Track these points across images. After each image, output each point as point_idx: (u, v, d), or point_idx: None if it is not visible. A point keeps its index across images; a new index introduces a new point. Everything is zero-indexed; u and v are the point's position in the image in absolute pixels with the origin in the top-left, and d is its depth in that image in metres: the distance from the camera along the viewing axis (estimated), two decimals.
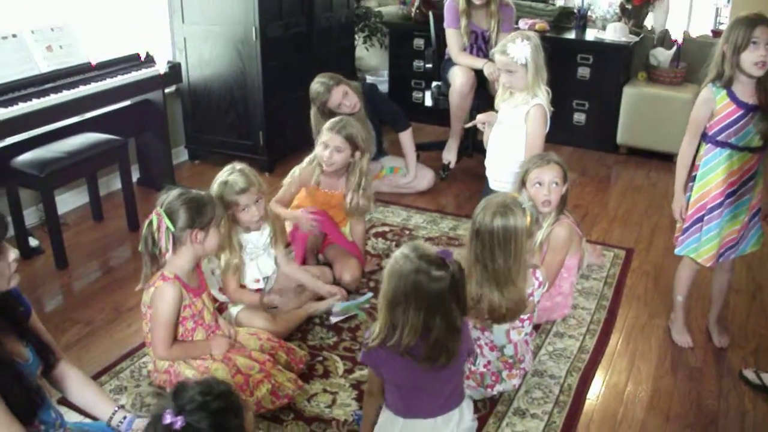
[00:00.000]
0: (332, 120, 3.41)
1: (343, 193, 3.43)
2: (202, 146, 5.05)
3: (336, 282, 3.36)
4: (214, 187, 2.87)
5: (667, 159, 5.11)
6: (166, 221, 2.38)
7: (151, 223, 2.42)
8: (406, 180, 4.55)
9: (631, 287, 3.50)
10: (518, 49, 3.27)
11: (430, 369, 2.04)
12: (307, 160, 3.47)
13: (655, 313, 3.27)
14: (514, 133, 3.40)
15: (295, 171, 3.45)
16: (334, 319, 3.13)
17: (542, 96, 3.36)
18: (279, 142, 4.86)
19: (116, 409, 2.13)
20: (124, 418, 2.11)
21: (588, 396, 2.72)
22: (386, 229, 4.10)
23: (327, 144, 3.31)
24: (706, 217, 2.78)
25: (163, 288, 2.43)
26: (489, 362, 2.60)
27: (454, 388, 2.17)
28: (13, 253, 1.87)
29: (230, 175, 2.87)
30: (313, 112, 4.00)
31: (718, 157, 2.73)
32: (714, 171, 2.74)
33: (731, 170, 2.72)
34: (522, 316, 2.55)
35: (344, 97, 3.91)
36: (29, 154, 3.59)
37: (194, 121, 4.96)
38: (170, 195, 2.45)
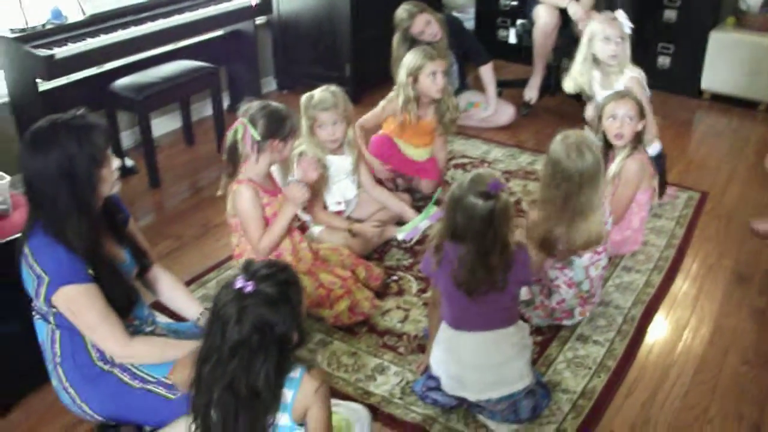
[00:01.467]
0: (423, 48, 3.50)
1: (433, 120, 3.58)
2: (290, 77, 5.22)
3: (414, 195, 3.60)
4: (303, 98, 3.03)
5: (752, 106, 5.03)
6: (252, 130, 2.53)
7: (236, 131, 2.56)
8: (486, 114, 4.63)
9: (702, 229, 3.53)
10: (625, 20, 3.39)
11: (470, 293, 2.18)
12: (389, 96, 3.61)
13: (724, 254, 3.32)
14: None
15: (384, 102, 3.61)
16: (399, 237, 3.21)
17: (633, 69, 3.45)
18: (365, 74, 4.98)
19: (203, 310, 2.32)
20: None
21: (650, 328, 2.82)
22: (465, 160, 4.22)
23: (435, 71, 3.41)
24: None
25: (240, 190, 2.59)
26: (563, 300, 2.70)
27: (503, 309, 2.28)
28: (116, 162, 2.04)
29: (321, 92, 3.05)
30: (396, 38, 4.10)
31: None
32: None
33: None
34: (598, 249, 2.64)
35: (426, 25, 4.01)
36: (127, 78, 3.83)
37: (283, 51, 5.12)
38: (252, 106, 2.60)
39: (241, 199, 2.60)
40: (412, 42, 3.94)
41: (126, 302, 2.09)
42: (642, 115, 3.05)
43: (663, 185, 3.60)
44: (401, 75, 3.48)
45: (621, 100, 3.03)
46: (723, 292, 3.05)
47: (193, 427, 1.69)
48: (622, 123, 3.01)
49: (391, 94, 3.62)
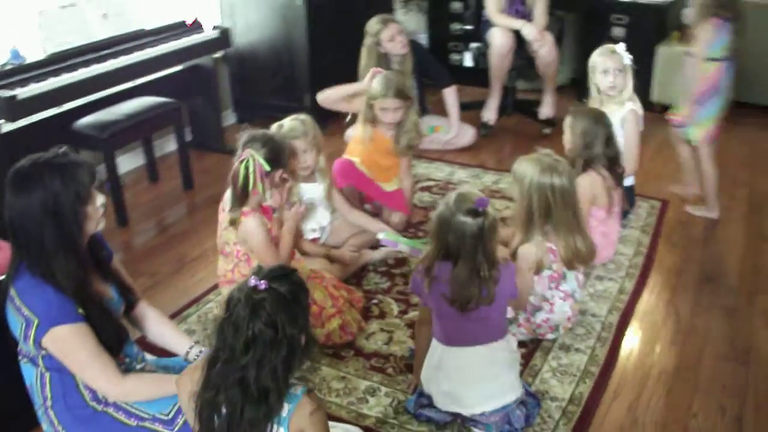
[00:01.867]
0: (378, 84, 3.49)
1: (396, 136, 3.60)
2: (249, 109, 5.24)
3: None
4: (273, 128, 3.07)
5: None
6: (263, 163, 2.54)
7: (246, 164, 2.54)
8: (448, 136, 4.71)
9: (667, 236, 3.65)
10: (625, 52, 3.54)
11: (462, 308, 2.23)
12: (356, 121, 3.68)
13: (690, 258, 3.43)
14: None
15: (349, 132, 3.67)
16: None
17: (635, 101, 3.57)
18: None
19: (192, 344, 2.31)
20: (201, 351, 2.28)
21: (627, 333, 2.90)
22: (431, 183, 4.28)
23: (386, 108, 3.46)
24: None
25: (251, 221, 2.59)
26: (547, 319, 2.78)
27: (494, 323, 2.33)
28: (100, 198, 2.04)
29: (291, 120, 3.10)
30: (365, 47, 4.16)
31: None
32: None
33: None
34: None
35: (398, 33, 4.09)
36: (90, 117, 3.81)
37: (242, 84, 5.15)
38: (255, 138, 2.63)
39: (255, 229, 2.59)
40: (381, 56, 4.01)
41: (116, 340, 2.08)
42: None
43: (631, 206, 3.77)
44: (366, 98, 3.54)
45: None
46: (693, 294, 3.15)
47: (197, 425, 1.69)
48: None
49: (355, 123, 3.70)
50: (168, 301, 3.17)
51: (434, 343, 2.37)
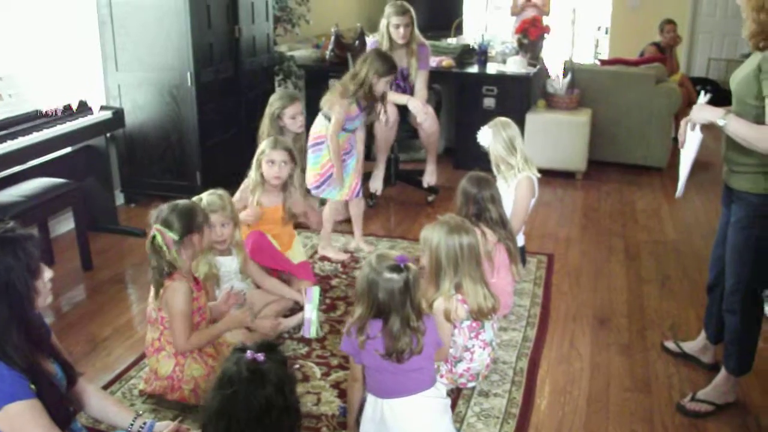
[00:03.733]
0: (268, 140, 3.69)
1: (284, 204, 3.72)
2: (138, 189, 5.21)
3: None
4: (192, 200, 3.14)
5: (570, 176, 5.69)
6: (169, 234, 2.64)
7: (155, 239, 2.63)
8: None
9: (557, 286, 3.96)
10: (481, 135, 3.83)
11: (397, 359, 2.39)
12: (243, 186, 3.78)
13: (583, 304, 3.74)
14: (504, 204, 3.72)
15: (236, 195, 3.73)
16: (307, 336, 3.39)
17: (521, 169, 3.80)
18: (215, 180, 5.07)
19: (136, 416, 2.32)
20: (145, 423, 2.30)
21: (538, 375, 3.12)
22: (330, 254, 4.41)
23: (274, 160, 3.61)
24: None
25: (175, 286, 2.66)
26: (469, 368, 2.94)
27: (425, 372, 2.49)
28: (48, 273, 2.04)
29: (208, 195, 3.20)
30: (267, 115, 4.23)
31: None
32: None
33: None
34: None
35: (300, 113, 4.24)
36: None
37: (130, 165, 5.13)
38: (162, 211, 2.73)
39: (175, 295, 2.66)
40: (279, 129, 4.14)
41: (65, 415, 2.07)
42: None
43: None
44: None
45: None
46: (590, 336, 3.43)
47: None
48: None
49: (242, 186, 3.79)
50: (88, 381, 3.09)
51: (370, 398, 2.49)
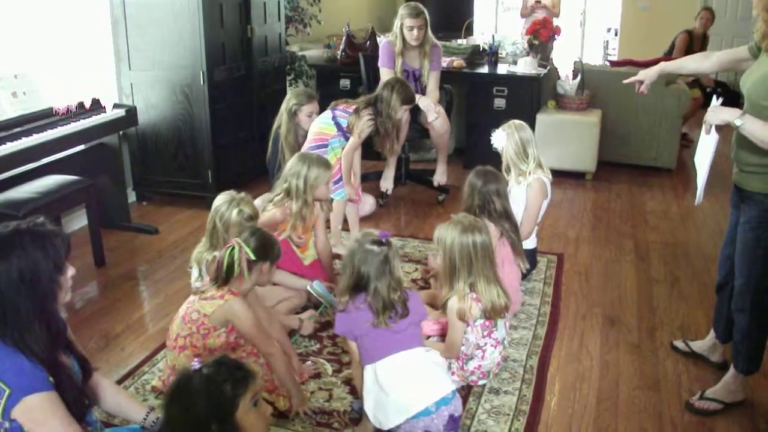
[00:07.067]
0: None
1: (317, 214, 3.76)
2: (150, 187, 5.26)
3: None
4: (233, 214, 3.18)
5: (580, 177, 5.70)
6: (247, 250, 2.67)
7: (233, 250, 2.65)
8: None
9: (567, 285, 3.97)
10: (494, 138, 3.86)
11: (385, 323, 2.55)
12: (273, 202, 3.66)
13: (593, 303, 3.76)
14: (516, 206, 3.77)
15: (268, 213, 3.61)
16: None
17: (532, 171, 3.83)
18: (227, 179, 5.12)
19: (149, 411, 2.37)
20: (158, 418, 2.32)
21: (548, 373, 3.13)
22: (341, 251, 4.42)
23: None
24: None
25: (238, 304, 2.65)
26: (480, 366, 2.97)
27: (411, 333, 2.62)
28: (71, 270, 2.09)
29: (242, 205, 3.23)
30: (283, 116, 4.34)
31: None
32: None
33: None
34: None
35: (316, 112, 4.27)
36: (1, 195, 3.74)
37: (142, 163, 5.17)
38: (246, 229, 2.79)
39: (244, 313, 2.65)
40: (295, 127, 4.17)
41: (82, 408, 2.10)
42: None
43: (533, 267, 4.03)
44: (299, 183, 3.57)
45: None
46: (600, 334, 3.44)
47: None
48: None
49: (276, 197, 3.64)
50: (102, 375, 3.13)
51: (367, 369, 2.59)
